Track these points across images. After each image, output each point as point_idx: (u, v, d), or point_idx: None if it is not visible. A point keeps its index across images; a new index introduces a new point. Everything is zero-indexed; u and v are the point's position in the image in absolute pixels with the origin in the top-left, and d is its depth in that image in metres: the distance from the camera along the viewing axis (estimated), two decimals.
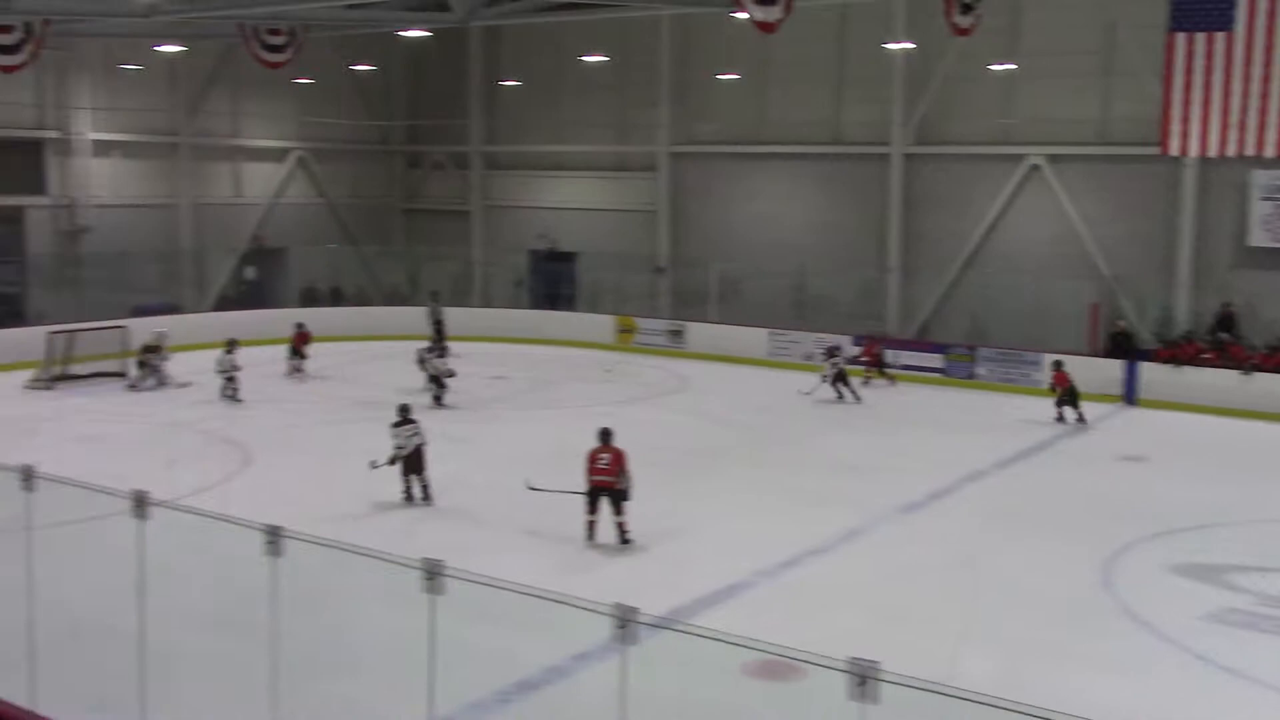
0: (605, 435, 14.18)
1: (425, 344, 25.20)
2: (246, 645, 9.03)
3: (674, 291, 32.14)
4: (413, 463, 15.49)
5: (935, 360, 26.32)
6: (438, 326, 28.81)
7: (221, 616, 10.76)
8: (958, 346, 26.38)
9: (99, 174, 30.49)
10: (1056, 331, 25.83)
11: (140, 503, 7.86)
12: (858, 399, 23.49)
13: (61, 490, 8.67)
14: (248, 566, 7.63)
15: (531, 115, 34.66)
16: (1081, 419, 21.56)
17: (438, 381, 22.48)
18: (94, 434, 19.51)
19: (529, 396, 24.08)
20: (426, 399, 21.58)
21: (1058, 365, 22.26)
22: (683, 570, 12.98)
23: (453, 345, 27.67)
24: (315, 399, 23.28)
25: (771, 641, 5.83)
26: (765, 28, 16.93)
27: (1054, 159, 26.92)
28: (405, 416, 15.66)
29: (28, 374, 23.64)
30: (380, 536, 13.04)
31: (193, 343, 25.38)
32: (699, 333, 29.26)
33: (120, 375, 23.95)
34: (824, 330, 26.92)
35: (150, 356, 23.90)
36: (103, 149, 30.53)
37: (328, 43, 30.75)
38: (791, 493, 16.53)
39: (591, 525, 13.84)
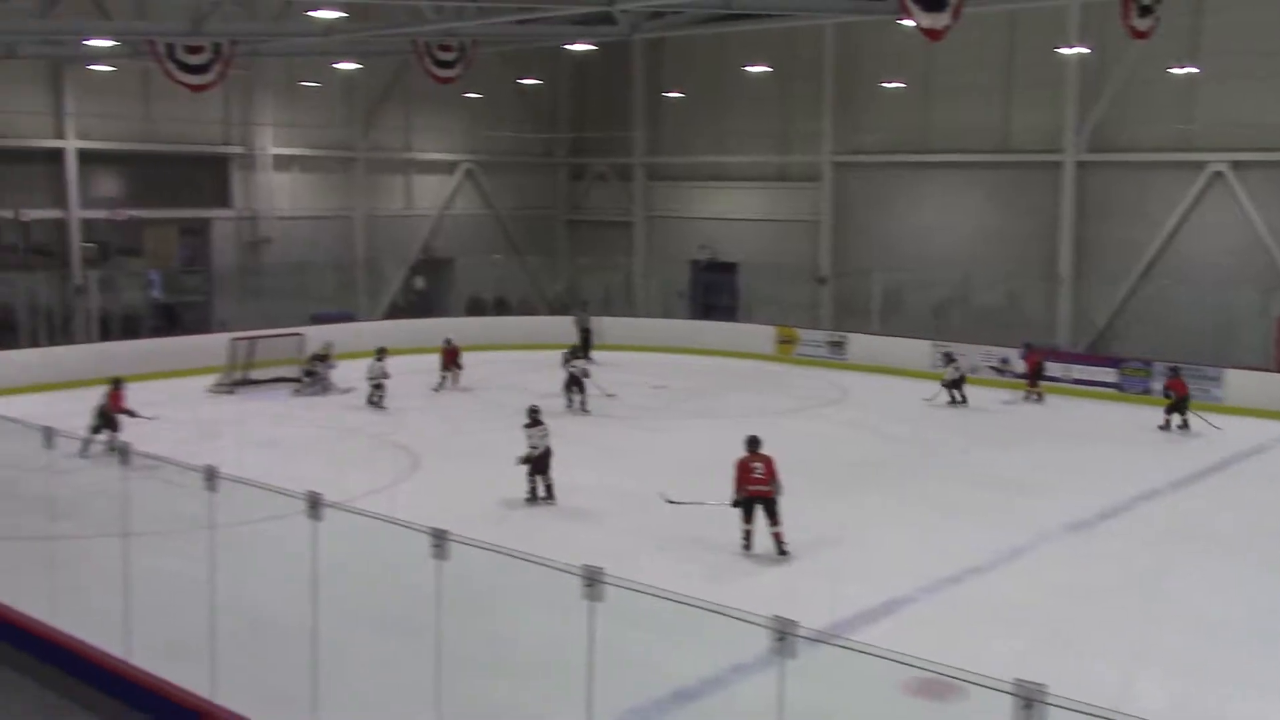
0: (755, 443, 14.08)
1: (569, 350, 25.34)
2: (412, 645, 9.27)
3: (835, 302, 31.84)
4: (540, 463, 15.87)
5: (1109, 375, 25.41)
6: (584, 335, 29.16)
7: (389, 616, 11.06)
8: (1132, 361, 25.42)
9: (279, 187, 31.81)
10: (1238, 346, 24.70)
11: (314, 504, 8.15)
12: (964, 402, 23.60)
13: (241, 490, 9.08)
14: (414, 568, 7.84)
15: (694, 126, 34.81)
16: (1185, 425, 21.39)
17: (578, 384, 22.91)
18: (271, 437, 20.31)
19: (687, 406, 24.15)
20: (560, 403, 21.93)
21: (1175, 372, 21.99)
22: (841, 583, 12.83)
23: (599, 355, 27.96)
24: (480, 406, 23.79)
25: (932, 659, 5.72)
26: (932, 35, 16.63)
27: (1238, 165, 25.74)
28: (535, 418, 16.11)
29: (211, 379, 24.76)
30: (539, 542, 13.27)
31: (367, 350, 26.18)
32: (860, 344, 28.90)
33: (297, 381, 24.85)
34: (991, 343, 26.30)
35: (317, 364, 24.73)
36: (283, 163, 31.85)
37: (496, 58, 31.45)
38: (953, 507, 16.19)
39: (749, 535, 13.80)
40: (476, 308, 34.37)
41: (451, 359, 25.46)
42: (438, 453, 19.28)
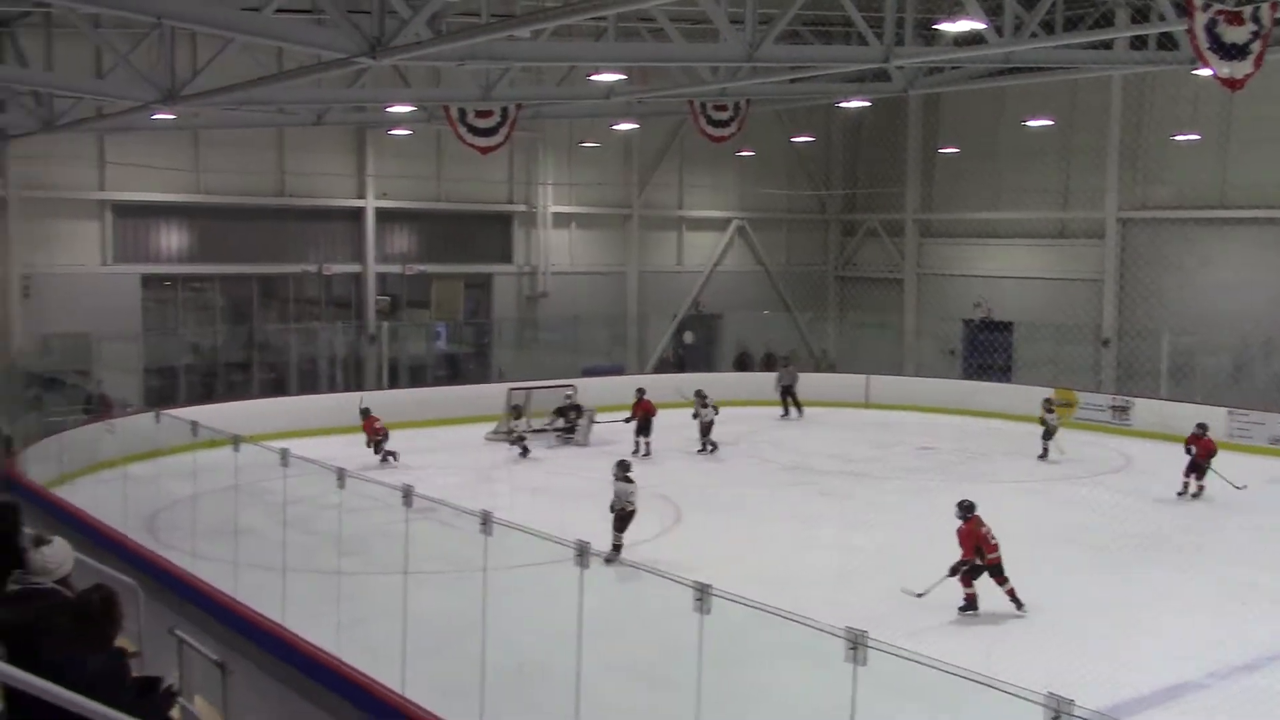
0: (973, 508, 13.76)
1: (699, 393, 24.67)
2: (671, 697, 9.31)
3: (1119, 364, 30.26)
4: (623, 520, 15.61)
5: None
6: (785, 392, 28.88)
7: (649, 667, 11.14)
8: None
9: (557, 244, 33.04)
10: None
11: (582, 552, 8.32)
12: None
13: (513, 535, 9.38)
14: (675, 619, 7.88)
15: (968, 182, 34.05)
16: (1200, 490, 19.88)
17: (708, 430, 23.52)
18: (543, 485, 20.94)
19: (958, 469, 23.40)
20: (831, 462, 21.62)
21: (1204, 430, 20.12)
22: (1121, 663, 12.07)
23: (806, 410, 28.10)
24: (744, 461, 23.80)
25: None
26: (1231, 85, 15.67)
27: None
28: (624, 475, 15.81)
29: (489, 427, 25.78)
30: (801, 600, 13.11)
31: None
32: (1146, 409, 27.27)
33: (570, 431, 25.43)
34: None
35: (572, 416, 25.26)
36: (562, 221, 33.08)
37: (770, 116, 31.73)
38: (1247, 588, 14.97)
39: (974, 599, 13.41)
40: (744, 363, 34.55)
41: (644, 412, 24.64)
42: (700, 506, 19.38)
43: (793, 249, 37.44)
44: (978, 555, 13.47)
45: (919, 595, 13.62)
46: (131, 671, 5.61)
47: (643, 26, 21.39)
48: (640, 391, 24.28)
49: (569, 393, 26.01)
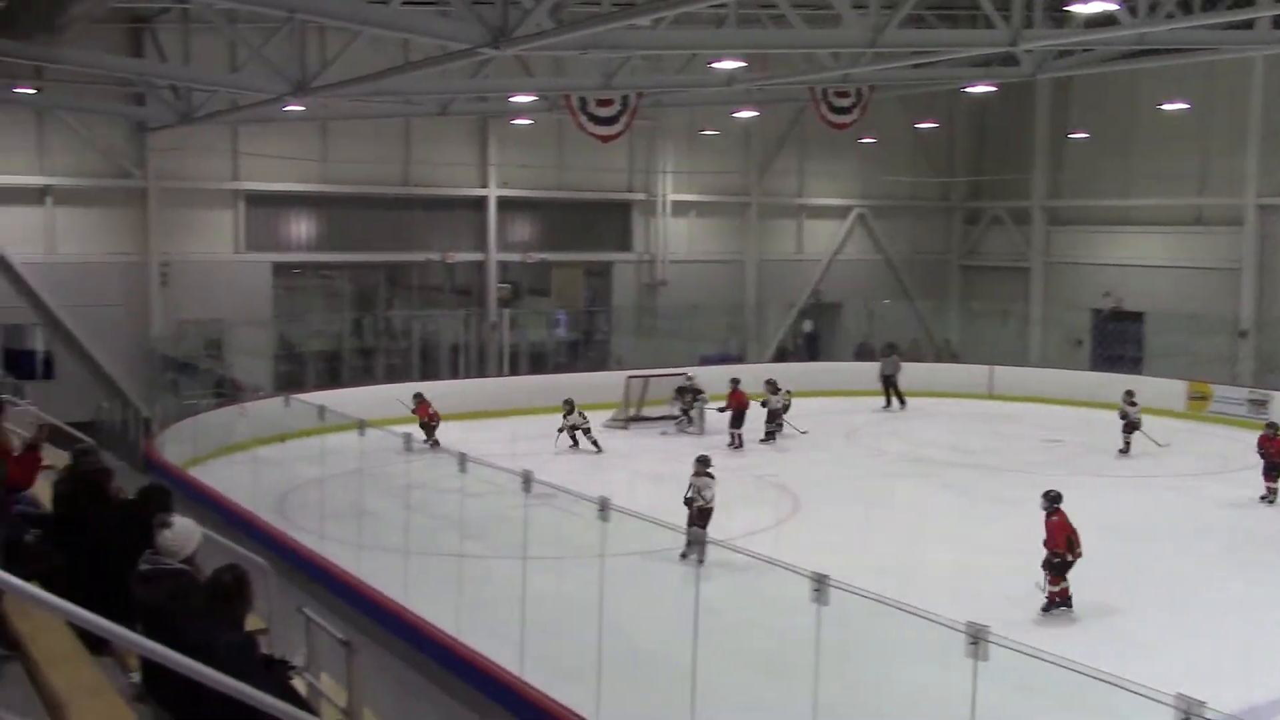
0: (1060, 499, 13.42)
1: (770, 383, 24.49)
2: (788, 688, 9.27)
3: (1258, 356, 29.18)
4: (701, 516, 14.66)
5: None
6: (887, 381, 28.31)
7: (765, 657, 11.11)
8: None
9: (676, 232, 33.05)
10: None
11: (697, 541, 8.32)
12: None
13: (630, 522, 9.44)
14: (792, 610, 7.84)
15: (1099, 168, 33.09)
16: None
17: (775, 418, 23.37)
18: (660, 472, 20.97)
19: (1084, 462, 22.79)
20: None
21: (1274, 430, 18.65)
22: (1257, 666, 11.66)
23: (922, 402, 27.45)
24: (861, 451, 23.56)
25: None
26: None
27: None
28: (704, 468, 15.23)
29: (607, 414, 25.93)
30: (921, 593, 12.93)
31: (755, 393, 26.53)
32: None
33: (686, 417, 25.40)
34: None
35: (688, 398, 25.18)
36: (681, 209, 33.07)
37: (893, 102, 31.28)
38: None
39: (1068, 595, 13.09)
40: (864, 352, 34.17)
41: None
42: (818, 496, 19.24)
43: (915, 237, 36.86)
44: (1070, 549, 13.10)
45: (1043, 589, 13.33)
46: (261, 648, 5.79)
47: (763, 13, 21.21)
48: (735, 382, 24.18)
49: (689, 374, 26.08)
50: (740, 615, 11.44)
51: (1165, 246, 31.87)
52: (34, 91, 23.50)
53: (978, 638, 6.41)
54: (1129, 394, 23.13)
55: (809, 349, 34.50)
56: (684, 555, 13.78)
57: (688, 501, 14.93)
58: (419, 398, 22.96)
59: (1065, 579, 13.12)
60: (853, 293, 35.24)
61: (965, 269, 37.35)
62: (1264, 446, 18.99)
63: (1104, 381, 29.59)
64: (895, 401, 28.35)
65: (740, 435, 23.43)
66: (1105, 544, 14.16)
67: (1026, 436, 24.33)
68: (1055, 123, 34.14)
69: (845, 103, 23.23)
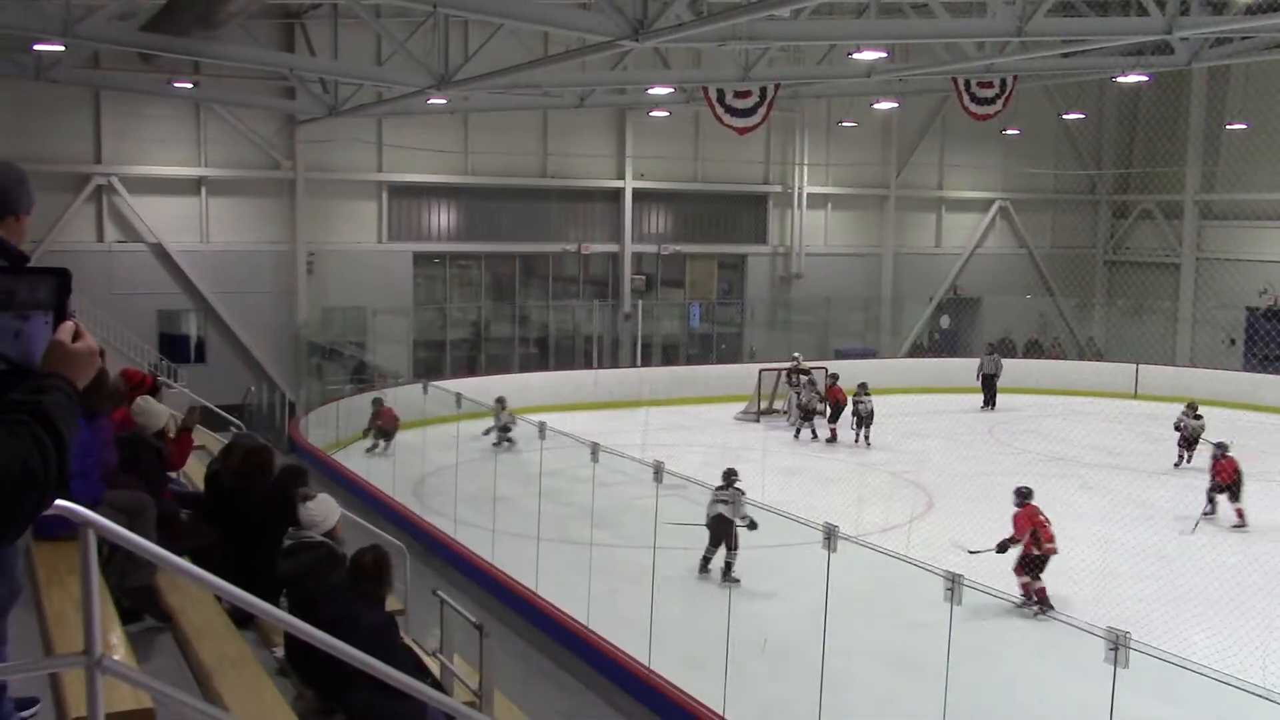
0: (1029, 494, 13.55)
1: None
2: (917, 685, 9.14)
3: None
4: (713, 534, 13.51)
5: None
6: (987, 382, 27.21)
7: (895, 652, 10.98)
8: None
9: (812, 225, 32.78)
10: None
11: (830, 535, 8.27)
12: None
13: (760, 515, 9.44)
14: (924, 607, 7.73)
15: (1257, 160, 31.72)
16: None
17: (806, 414, 22.98)
18: (792, 466, 20.88)
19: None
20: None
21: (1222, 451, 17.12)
22: None
23: (1055, 400, 26.53)
24: (1001, 449, 23.06)
25: None
26: None
27: None
28: (727, 482, 13.63)
29: (739, 406, 25.86)
30: (1061, 596, 12.62)
31: (889, 387, 26.21)
32: None
33: (820, 414, 25.16)
34: None
35: (796, 379, 24.78)
36: (817, 201, 32.78)
37: (1039, 92, 30.50)
38: None
39: (1045, 594, 12.70)
40: (1005, 349, 33.41)
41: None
42: (952, 494, 18.89)
43: (1058, 231, 35.91)
44: (1035, 544, 12.82)
45: (972, 553, 12.89)
46: (400, 629, 5.94)
47: (905, 2, 20.88)
48: (834, 378, 23.98)
49: (796, 354, 26.14)
50: (874, 611, 11.32)
51: None
52: (191, 86, 24.45)
53: (1118, 643, 6.23)
54: (1191, 406, 21.51)
55: (947, 344, 33.87)
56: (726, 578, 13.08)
57: (715, 521, 13.41)
58: (378, 402, 21.13)
59: (1041, 578, 12.79)
60: (992, 287, 34.49)
61: (1111, 264, 36.25)
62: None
63: (1259, 382, 28.48)
64: (989, 404, 27.27)
65: (835, 430, 23.28)
66: (1253, 550, 13.63)
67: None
68: (1211, 113, 32.87)
69: (989, 93, 22.69)
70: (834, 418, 23.36)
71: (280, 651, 6.01)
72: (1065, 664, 7.80)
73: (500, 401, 20.95)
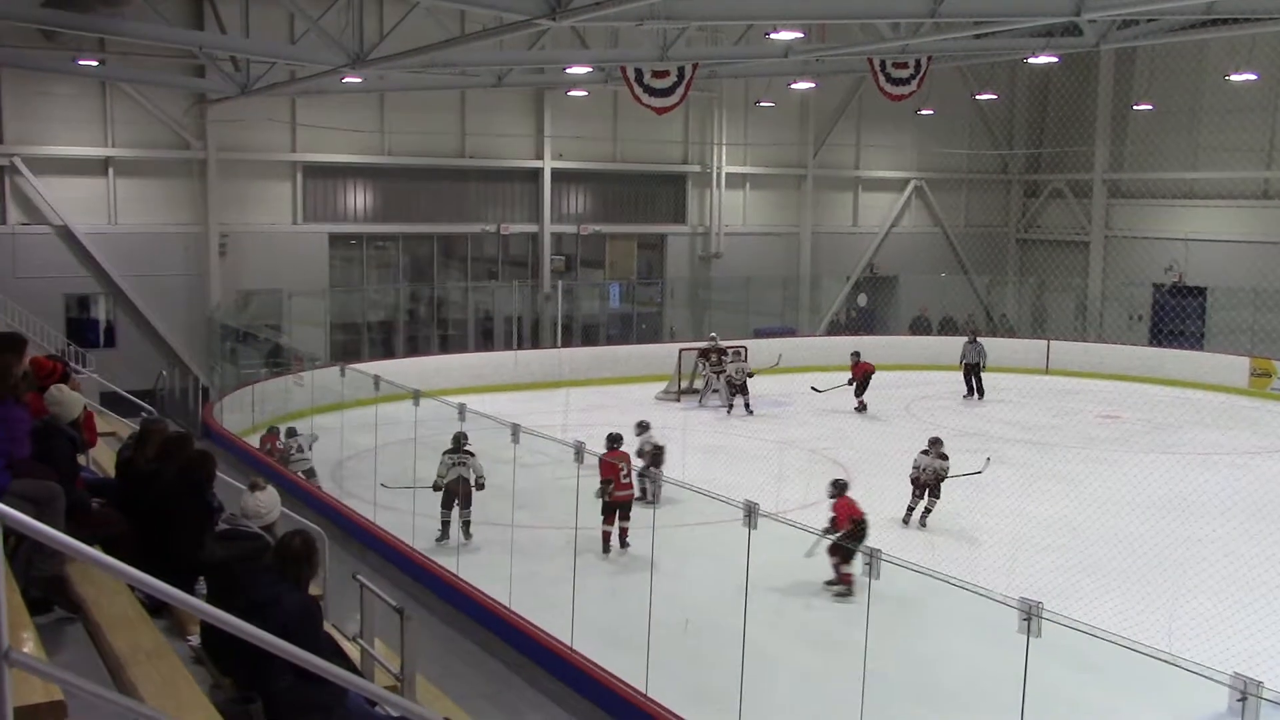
0: (618, 440, 14.86)
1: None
2: (836, 660, 9.27)
3: None
4: (450, 495, 14.45)
5: None
6: (970, 371, 26.50)
7: (816, 630, 11.12)
8: None
9: (730, 204, 32.92)
10: None
11: (751, 513, 8.32)
12: None
13: (682, 494, 9.47)
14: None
15: (1163, 140, 32.50)
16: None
17: (738, 388, 23.77)
18: (712, 445, 21.01)
19: (1143, 439, 22.55)
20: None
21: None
22: None
23: (916, 376, 27.16)
24: (919, 425, 23.40)
25: None
26: None
27: None
28: (456, 445, 14.50)
29: (659, 386, 25.94)
30: (973, 568, 12.85)
31: (806, 366, 26.47)
32: None
33: (743, 392, 25.27)
34: None
35: (714, 358, 25.03)
36: (735, 181, 32.93)
37: (952, 73, 30.88)
38: None
39: (607, 538, 13.87)
40: (920, 326, 33.91)
41: (861, 375, 24.39)
42: (868, 469, 19.14)
43: (972, 210, 36.49)
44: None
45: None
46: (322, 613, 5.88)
47: None
48: (855, 355, 24.59)
49: (713, 334, 26.56)
50: (790, 587, 11.45)
51: (1230, 220, 31.29)
52: (96, 63, 23.82)
53: (1030, 614, 6.36)
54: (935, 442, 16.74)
55: (864, 322, 34.26)
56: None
57: (437, 488, 14.47)
58: (274, 429, 18.20)
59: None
60: (909, 266, 34.96)
61: (1023, 243, 36.92)
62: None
63: (1164, 357, 29.25)
64: (976, 393, 26.54)
65: (864, 402, 24.12)
66: (1162, 521, 14.01)
67: (1084, 413, 24.06)
68: (1118, 94, 33.56)
69: (904, 74, 22.89)
70: (860, 390, 24.20)
71: (196, 640, 5.92)
72: (980, 636, 7.96)
73: (291, 431, 17.91)
